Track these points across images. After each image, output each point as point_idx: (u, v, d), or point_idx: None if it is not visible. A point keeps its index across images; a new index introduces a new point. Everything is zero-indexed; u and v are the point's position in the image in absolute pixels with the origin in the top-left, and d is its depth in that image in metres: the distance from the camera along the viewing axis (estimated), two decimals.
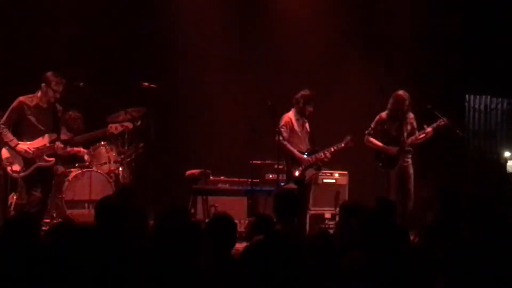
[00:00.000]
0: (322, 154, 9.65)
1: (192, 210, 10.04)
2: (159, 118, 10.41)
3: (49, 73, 8.64)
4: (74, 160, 10.50)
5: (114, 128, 9.38)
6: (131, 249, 4.49)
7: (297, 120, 9.73)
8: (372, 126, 9.96)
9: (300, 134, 9.73)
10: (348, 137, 9.69)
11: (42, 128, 8.74)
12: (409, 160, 9.99)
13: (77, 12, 11.11)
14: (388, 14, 12.03)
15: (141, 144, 10.06)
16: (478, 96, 13.51)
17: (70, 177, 10.00)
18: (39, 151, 8.71)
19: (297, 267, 4.17)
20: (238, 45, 11.71)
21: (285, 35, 11.91)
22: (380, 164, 9.99)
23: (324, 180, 10.77)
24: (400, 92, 9.87)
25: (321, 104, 10.00)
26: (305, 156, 9.64)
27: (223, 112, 10.27)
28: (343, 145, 9.69)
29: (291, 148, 9.64)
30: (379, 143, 9.93)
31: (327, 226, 10.47)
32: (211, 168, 10.60)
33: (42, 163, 8.75)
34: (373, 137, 9.95)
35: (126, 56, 11.37)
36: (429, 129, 9.88)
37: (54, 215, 9.90)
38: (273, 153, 9.63)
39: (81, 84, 9.23)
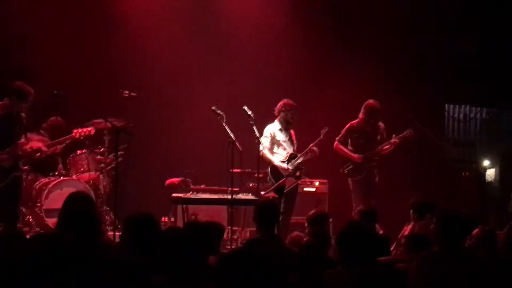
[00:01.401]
0: (306, 154, 9.68)
1: (172, 219, 10.02)
2: (139, 126, 10.40)
3: (18, 83, 8.59)
4: (51, 168, 10.45)
5: (78, 133, 9.36)
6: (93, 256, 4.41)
7: (280, 130, 9.77)
8: (342, 133, 10.07)
9: (284, 143, 9.77)
10: (325, 129, 9.76)
11: (12, 137, 8.65)
12: (375, 169, 10.06)
13: (56, 21, 11.09)
14: (367, 23, 12.06)
15: (121, 153, 10.02)
16: (457, 106, 13.60)
17: (49, 185, 9.95)
18: (14, 159, 8.64)
19: (275, 277, 4.17)
20: (217, 54, 11.70)
21: (263, 45, 11.90)
22: (346, 171, 10.11)
23: (305, 189, 10.78)
24: (372, 101, 9.95)
25: (301, 112, 10.05)
26: (284, 166, 9.66)
27: (204, 120, 10.24)
28: (322, 137, 9.76)
29: (271, 158, 9.67)
30: (347, 150, 10.05)
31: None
32: (192, 177, 10.59)
33: (18, 173, 8.68)
34: (342, 144, 10.05)
35: (106, 65, 11.33)
36: (395, 140, 9.96)
37: (33, 223, 9.84)
38: (253, 161, 9.61)
39: (61, 92, 9.19)
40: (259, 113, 9.48)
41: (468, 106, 13.60)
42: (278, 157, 9.76)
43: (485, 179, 12.35)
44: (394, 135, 10.02)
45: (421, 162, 11.97)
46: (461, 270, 4.87)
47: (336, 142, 10.11)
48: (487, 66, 12.23)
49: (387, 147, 10.05)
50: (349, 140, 10.13)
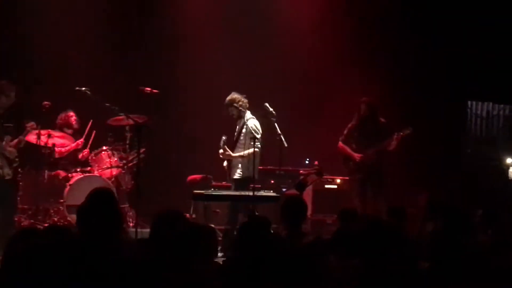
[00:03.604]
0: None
1: (194, 215, 10.02)
2: (161, 123, 10.43)
3: (3, 82, 8.75)
4: (75, 164, 10.52)
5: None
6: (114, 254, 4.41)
7: (237, 123, 9.67)
8: (344, 132, 10.11)
9: (234, 137, 9.66)
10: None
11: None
12: (378, 166, 9.99)
13: (81, 18, 11.14)
14: (387, 20, 11.96)
15: (143, 149, 10.04)
16: (480, 103, 13.50)
17: (71, 182, 10.00)
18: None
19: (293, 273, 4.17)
20: (240, 51, 11.67)
21: (289, 44, 11.85)
22: (347, 170, 10.26)
23: (326, 186, 10.77)
24: (365, 98, 9.94)
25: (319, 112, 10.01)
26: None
27: (226, 117, 10.22)
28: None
29: None
30: (347, 149, 10.10)
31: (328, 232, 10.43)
32: (213, 173, 10.59)
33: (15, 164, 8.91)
34: (345, 144, 10.11)
35: (129, 61, 11.36)
36: (397, 136, 9.87)
37: (56, 219, 9.88)
38: (274, 158, 9.60)
39: (83, 89, 9.22)
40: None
41: (490, 103, 13.49)
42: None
43: (507, 177, 12.22)
44: (396, 133, 9.94)
45: (441, 159, 11.90)
46: None
47: (340, 142, 10.17)
48: (510, 63, 12.11)
49: (393, 144, 9.95)
50: (352, 139, 10.15)
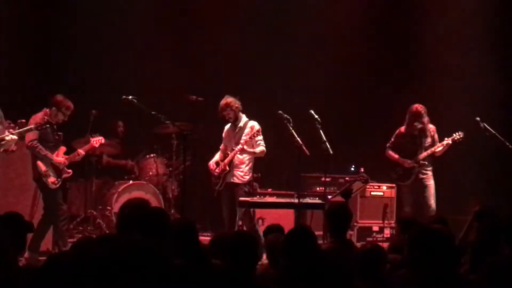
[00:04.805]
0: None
1: (240, 222, 10.05)
2: (207, 130, 10.49)
3: (60, 98, 8.80)
4: (122, 172, 10.65)
5: (96, 142, 9.44)
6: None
7: (230, 126, 9.65)
8: (392, 139, 10.05)
9: (228, 139, 9.64)
10: None
11: (53, 143, 8.93)
12: (427, 172, 9.95)
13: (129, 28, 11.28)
14: (435, 24, 11.88)
15: (189, 157, 10.11)
16: None
17: (119, 189, 10.11)
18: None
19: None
20: (285, 58, 11.70)
21: (335, 50, 11.84)
22: (395, 176, 10.17)
23: (372, 193, 10.73)
24: (414, 105, 9.87)
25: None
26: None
27: (270, 124, 10.26)
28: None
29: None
30: (396, 156, 10.05)
31: (374, 239, 10.41)
32: (258, 181, 10.61)
33: (66, 175, 8.94)
34: (392, 150, 10.07)
35: (174, 69, 11.46)
36: (447, 142, 9.83)
37: (104, 226, 10.00)
38: (319, 165, 9.59)
39: (130, 97, 9.29)
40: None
41: None
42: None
43: None
44: (446, 138, 9.90)
45: (491, 167, 11.73)
46: None
47: (386, 149, 10.15)
48: None
49: (439, 149, 9.91)
50: (398, 145, 10.11)
